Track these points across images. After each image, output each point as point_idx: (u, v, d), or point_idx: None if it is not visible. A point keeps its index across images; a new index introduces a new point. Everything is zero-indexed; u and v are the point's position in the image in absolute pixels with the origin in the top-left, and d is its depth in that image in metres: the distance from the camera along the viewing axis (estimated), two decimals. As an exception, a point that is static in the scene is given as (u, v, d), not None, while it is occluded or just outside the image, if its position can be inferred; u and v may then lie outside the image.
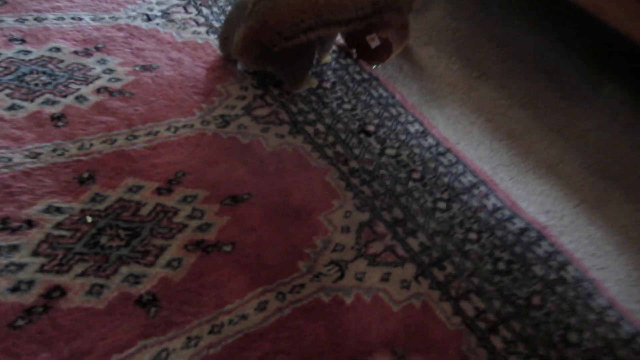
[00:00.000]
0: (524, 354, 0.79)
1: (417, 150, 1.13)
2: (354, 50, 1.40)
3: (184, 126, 1.03)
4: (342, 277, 0.80)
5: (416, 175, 1.06)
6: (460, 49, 1.55)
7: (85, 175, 0.87)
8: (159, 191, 0.87)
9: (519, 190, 1.09)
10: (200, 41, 1.30)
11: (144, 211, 0.83)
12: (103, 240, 0.77)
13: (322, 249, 0.85)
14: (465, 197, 1.03)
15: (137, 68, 1.15)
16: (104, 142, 0.95)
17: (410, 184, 1.03)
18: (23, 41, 1.14)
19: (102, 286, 0.71)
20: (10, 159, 0.86)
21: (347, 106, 1.23)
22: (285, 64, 1.16)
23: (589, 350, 0.79)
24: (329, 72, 1.33)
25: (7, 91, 1.00)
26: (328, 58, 1.36)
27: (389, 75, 1.39)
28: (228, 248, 0.81)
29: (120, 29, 1.27)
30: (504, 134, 1.26)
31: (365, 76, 1.36)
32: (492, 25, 1.67)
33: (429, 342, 0.75)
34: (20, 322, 0.64)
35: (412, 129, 1.20)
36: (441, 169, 1.09)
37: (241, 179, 0.95)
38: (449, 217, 0.97)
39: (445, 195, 1.02)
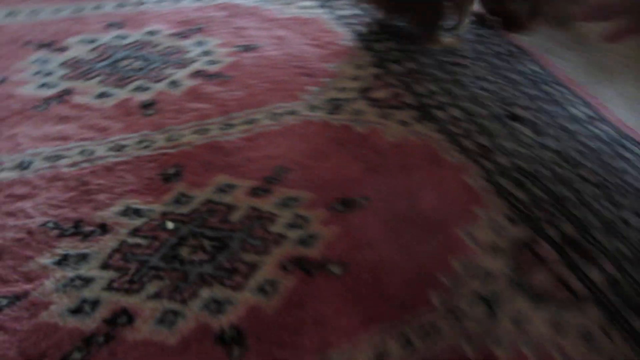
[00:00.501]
0: None
1: (587, 141, 0.87)
2: (495, 18, 1.16)
3: (287, 113, 0.87)
4: (492, 319, 0.58)
5: (590, 175, 0.80)
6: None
7: (171, 171, 0.74)
8: (254, 192, 0.72)
9: None
10: (308, 16, 1.14)
11: (235, 217, 0.68)
12: (184, 252, 0.63)
13: (463, 275, 0.64)
14: (666, 206, 0.76)
15: (237, 49, 1.02)
16: (196, 132, 0.82)
17: (583, 186, 0.78)
18: (121, 26, 1.06)
19: (176, 313, 0.56)
20: (92, 152, 0.76)
21: (488, 85, 0.99)
22: (415, 14, 1.02)
23: None
24: (465, 46, 1.10)
25: (100, 78, 0.92)
26: (464, 25, 1.13)
27: (541, 47, 1.12)
28: (337, 269, 0.63)
29: (220, 8, 1.16)
30: None
31: (510, 49, 1.11)
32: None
33: None
34: (76, 356, 0.52)
35: (578, 112, 0.94)
36: (625, 166, 0.82)
37: (355, 178, 0.77)
38: (647, 234, 0.71)
39: (637, 203, 0.75)
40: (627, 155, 0.85)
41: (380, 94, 0.95)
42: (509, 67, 1.05)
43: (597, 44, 1.16)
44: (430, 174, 0.79)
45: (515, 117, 0.91)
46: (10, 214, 0.66)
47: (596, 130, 0.90)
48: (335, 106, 0.90)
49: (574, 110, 0.95)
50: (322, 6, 1.18)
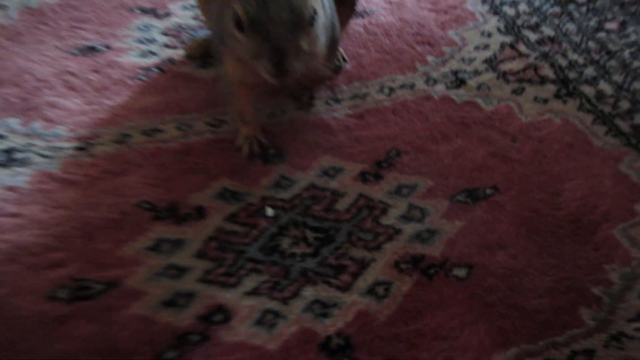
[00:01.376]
0: None
1: None
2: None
3: (401, 86, 0.79)
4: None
5: None
6: None
7: (272, 151, 0.69)
8: (363, 177, 0.65)
9: None
10: (427, -24, 1.03)
11: (342, 205, 0.62)
12: (284, 243, 0.57)
13: (623, 288, 0.53)
14: None
15: (346, 14, 0.93)
16: (299, 107, 0.76)
17: None
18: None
19: (277, 314, 0.51)
20: (191, 126, 0.72)
21: (648, 55, 0.83)
22: None
23: None
24: (615, 8, 0.94)
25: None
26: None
27: None
28: (461, 273, 0.55)
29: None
30: None
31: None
32: None
33: None
34: (169, 355, 0.48)
35: None
36: None
37: (482, 165, 0.67)
38: None
39: None
40: None
41: (512, 65, 0.83)
42: (675, 32, 0.88)
43: None
44: (575, 161, 0.67)
45: (686, 94, 0.76)
46: (106, 192, 0.64)
47: None
48: (458, 79, 0.80)
49: None
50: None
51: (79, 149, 0.70)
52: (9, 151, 0.69)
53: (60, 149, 0.70)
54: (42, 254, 0.57)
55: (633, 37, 0.87)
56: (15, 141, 0.70)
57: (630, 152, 0.67)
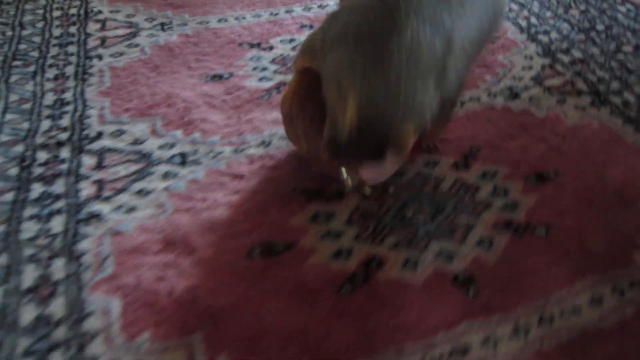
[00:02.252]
0: None
1: None
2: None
3: (470, 99, 0.96)
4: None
5: None
6: None
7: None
8: (455, 166, 0.82)
9: None
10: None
11: (444, 186, 0.79)
12: (408, 213, 0.75)
13: (662, 240, 0.70)
14: None
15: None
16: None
17: None
18: (311, 27, 1.20)
19: (415, 262, 0.68)
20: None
21: (659, 72, 1.01)
22: None
23: None
24: (628, 34, 1.12)
25: (300, 73, 1.05)
26: None
27: None
28: (542, 231, 0.72)
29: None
30: None
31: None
32: None
33: None
34: (345, 289, 0.65)
35: None
36: None
37: (542, 156, 0.84)
38: None
39: None
40: None
41: (553, 82, 1.00)
42: (678, 53, 1.06)
43: None
44: (613, 153, 0.84)
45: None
46: (267, 181, 0.81)
47: None
48: (512, 93, 0.97)
49: None
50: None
51: (235, 151, 0.87)
52: (182, 154, 0.87)
53: (220, 152, 0.87)
54: (233, 225, 0.75)
55: (645, 58, 1.05)
56: (183, 148, 0.88)
57: (654, 145, 0.85)
